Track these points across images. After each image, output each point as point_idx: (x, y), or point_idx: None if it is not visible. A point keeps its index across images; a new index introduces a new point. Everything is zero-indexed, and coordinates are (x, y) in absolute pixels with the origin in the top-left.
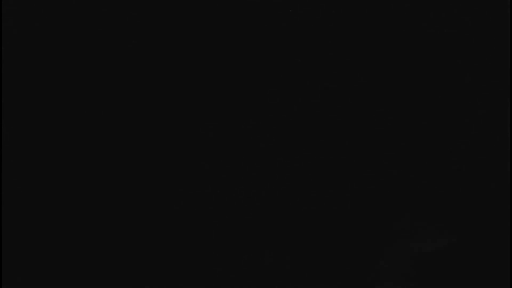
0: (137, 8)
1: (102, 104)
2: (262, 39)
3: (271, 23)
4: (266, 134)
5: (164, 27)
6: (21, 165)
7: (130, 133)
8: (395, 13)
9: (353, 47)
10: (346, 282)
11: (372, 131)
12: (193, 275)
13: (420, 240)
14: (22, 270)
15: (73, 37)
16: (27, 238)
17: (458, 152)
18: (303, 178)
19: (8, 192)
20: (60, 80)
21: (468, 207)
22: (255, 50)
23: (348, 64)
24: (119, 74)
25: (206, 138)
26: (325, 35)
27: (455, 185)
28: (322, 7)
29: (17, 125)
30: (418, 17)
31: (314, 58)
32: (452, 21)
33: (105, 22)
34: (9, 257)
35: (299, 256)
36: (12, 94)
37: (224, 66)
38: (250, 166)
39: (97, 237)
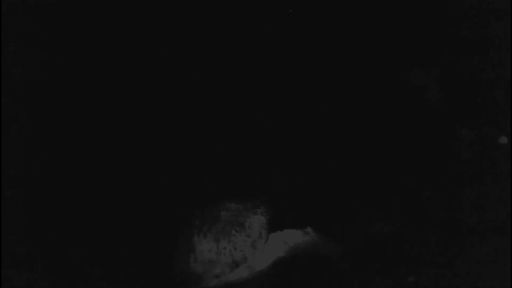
0: (137, 8)
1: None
2: (263, 38)
3: (271, 23)
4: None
5: (164, 27)
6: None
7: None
8: (395, 13)
9: (353, 47)
10: None
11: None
12: None
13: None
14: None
15: (73, 37)
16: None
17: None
18: None
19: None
20: (56, 78)
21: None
22: (254, 47)
23: (348, 64)
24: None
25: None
26: (325, 35)
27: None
28: (322, 7)
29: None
30: (417, 17)
31: (313, 58)
32: (453, 21)
33: (105, 22)
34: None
35: None
36: (12, 94)
37: (221, 62)
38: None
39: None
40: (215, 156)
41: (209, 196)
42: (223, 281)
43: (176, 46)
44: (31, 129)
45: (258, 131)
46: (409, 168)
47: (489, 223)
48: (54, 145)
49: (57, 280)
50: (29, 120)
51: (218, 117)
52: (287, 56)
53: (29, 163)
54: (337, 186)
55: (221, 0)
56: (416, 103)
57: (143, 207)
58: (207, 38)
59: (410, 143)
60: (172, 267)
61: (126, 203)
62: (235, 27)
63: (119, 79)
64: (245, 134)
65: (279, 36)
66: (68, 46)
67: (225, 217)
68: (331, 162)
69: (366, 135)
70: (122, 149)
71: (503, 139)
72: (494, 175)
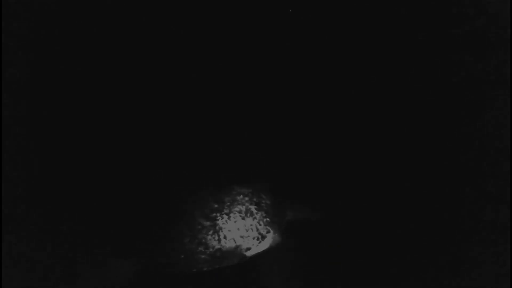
0: (137, 8)
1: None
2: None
3: (271, 23)
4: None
5: (164, 27)
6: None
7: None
8: (395, 13)
9: (353, 47)
10: None
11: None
12: None
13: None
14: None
15: (73, 37)
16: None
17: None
18: None
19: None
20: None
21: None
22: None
23: (348, 64)
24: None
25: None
26: (325, 35)
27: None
28: (322, 7)
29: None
30: (417, 17)
31: (314, 58)
32: (454, 22)
33: (105, 22)
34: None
35: None
36: (12, 94)
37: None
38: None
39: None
40: (216, 151)
41: (219, 182)
42: (252, 252)
43: (176, 46)
44: (31, 129)
45: (258, 130)
46: (409, 167)
47: (489, 223)
48: (54, 145)
49: (57, 280)
50: (29, 120)
51: (218, 116)
52: (287, 56)
53: (29, 163)
54: (338, 182)
55: (221, 0)
56: (416, 103)
57: (150, 201)
58: (207, 38)
59: (409, 143)
60: (198, 247)
61: (130, 199)
62: (235, 27)
63: (119, 78)
64: (246, 133)
65: (279, 36)
66: (68, 46)
67: (243, 199)
68: (331, 157)
69: (365, 134)
70: (123, 148)
71: None
72: (494, 175)
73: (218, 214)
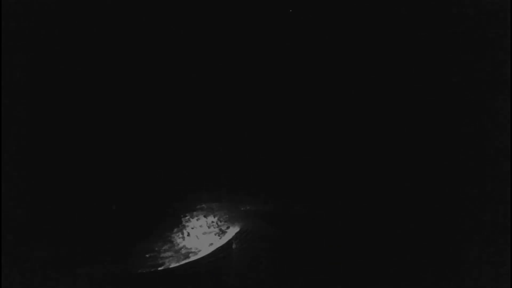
0: (137, 8)
1: None
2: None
3: (271, 23)
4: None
5: (164, 27)
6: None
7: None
8: (396, 14)
9: (353, 47)
10: None
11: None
12: None
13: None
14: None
15: (73, 37)
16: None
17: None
18: None
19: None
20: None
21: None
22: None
23: (348, 64)
24: None
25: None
26: (325, 35)
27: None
28: (322, 7)
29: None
30: (417, 17)
31: (314, 58)
32: (454, 22)
33: (105, 22)
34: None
35: None
36: (12, 94)
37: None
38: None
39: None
40: (214, 153)
41: (182, 181)
42: (215, 246)
43: (176, 46)
44: (31, 129)
45: (256, 130)
46: (409, 167)
47: (489, 223)
48: (54, 145)
49: (57, 280)
50: (29, 120)
51: (218, 117)
52: (287, 56)
53: (29, 163)
54: (333, 186)
55: (221, 0)
56: (416, 103)
57: (139, 200)
58: (207, 38)
59: (409, 143)
60: (166, 244)
61: (125, 200)
62: (235, 27)
63: (119, 78)
64: (245, 134)
65: (279, 36)
66: (68, 46)
67: (205, 197)
68: (327, 160)
69: (365, 135)
70: (123, 148)
71: None
72: (494, 175)
73: (182, 213)
